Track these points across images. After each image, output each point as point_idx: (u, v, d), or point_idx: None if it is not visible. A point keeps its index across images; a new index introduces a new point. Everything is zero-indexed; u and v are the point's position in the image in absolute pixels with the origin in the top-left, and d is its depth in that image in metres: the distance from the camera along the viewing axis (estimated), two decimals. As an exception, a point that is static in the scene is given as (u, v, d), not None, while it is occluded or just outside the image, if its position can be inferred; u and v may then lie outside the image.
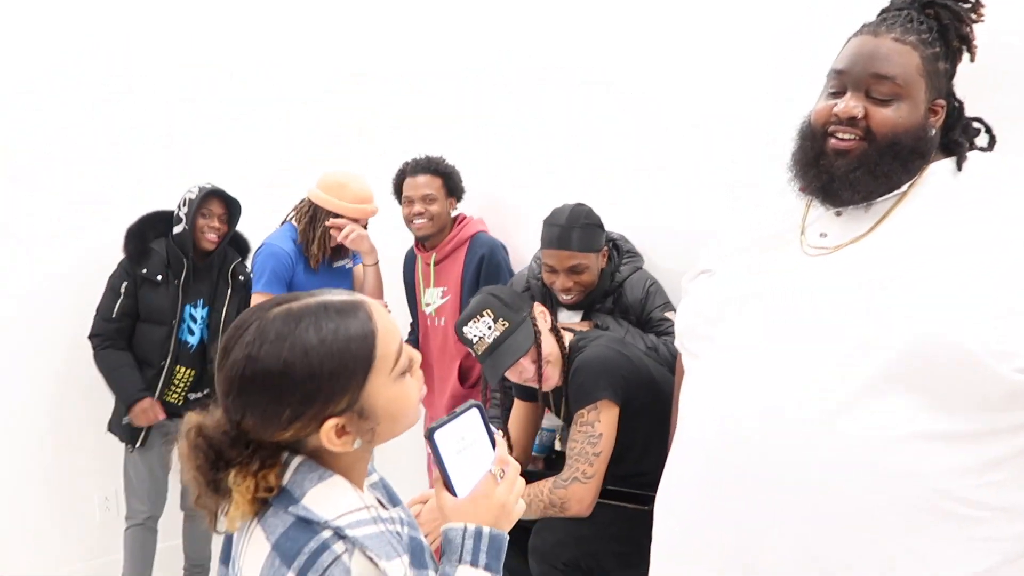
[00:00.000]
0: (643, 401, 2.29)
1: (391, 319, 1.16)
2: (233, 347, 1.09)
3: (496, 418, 2.75)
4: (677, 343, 1.84)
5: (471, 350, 2.40)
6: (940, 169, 1.52)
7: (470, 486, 1.16)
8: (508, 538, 1.17)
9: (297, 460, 1.11)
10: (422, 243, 3.29)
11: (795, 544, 1.36)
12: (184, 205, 3.33)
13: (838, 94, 1.53)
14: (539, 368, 2.36)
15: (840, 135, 1.51)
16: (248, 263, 3.54)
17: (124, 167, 3.84)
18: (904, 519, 1.30)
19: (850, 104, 1.49)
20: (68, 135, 3.69)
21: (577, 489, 2.23)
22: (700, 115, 2.55)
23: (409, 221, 3.20)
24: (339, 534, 1.05)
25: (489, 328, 2.34)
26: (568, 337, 2.45)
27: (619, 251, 2.74)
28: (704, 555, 1.48)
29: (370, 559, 1.06)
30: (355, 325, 1.10)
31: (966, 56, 1.61)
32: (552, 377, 2.39)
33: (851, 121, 1.49)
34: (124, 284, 3.33)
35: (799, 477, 1.37)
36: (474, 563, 1.13)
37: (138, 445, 3.34)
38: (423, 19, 3.59)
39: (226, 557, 1.23)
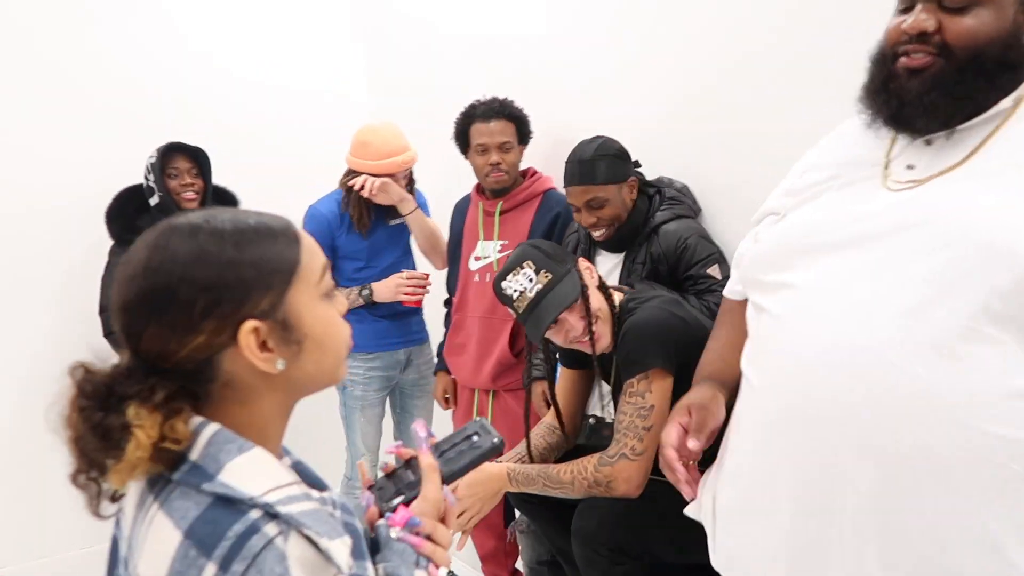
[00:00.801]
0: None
1: (314, 241, 1.06)
2: (133, 254, 0.97)
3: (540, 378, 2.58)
4: (735, 291, 1.68)
5: (511, 309, 2.13)
6: None
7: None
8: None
9: (210, 429, 0.95)
10: (485, 191, 3.03)
11: (876, 498, 1.23)
12: (149, 172, 3.11)
13: (907, 10, 1.34)
14: (588, 325, 2.09)
15: (912, 54, 1.31)
16: None
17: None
18: (991, 484, 1.16)
19: (920, 18, 1.29)
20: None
21: (625, 467, 1.96)
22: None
23: (484, 173, 2.93)
24: (269, 513, 0.91)
25: (531, 281, 2.08)
26: (618, 297, 2.18)
27: (661, 195, 2.54)
28: (781, 504, 1.34)
29: (308, 539, 0.92)
30: (277, 223, 1.01)
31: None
32: (604, 336, 2.12)
33: (922, 37, 1.29)
34: None
35: (879, 427, 1.22)
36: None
37: None
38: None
39: (112, 563, 1.03)
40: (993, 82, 1.27)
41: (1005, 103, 1.29)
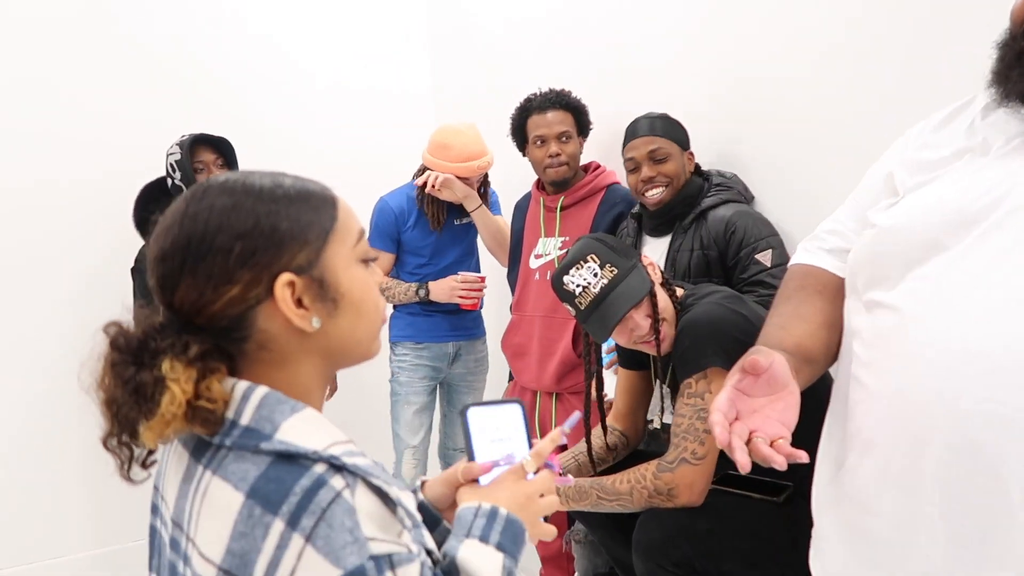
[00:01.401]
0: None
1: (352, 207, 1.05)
2: (171, 209, 0.97)
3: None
4: (807, 254, 1.50)
5: (571, 307, 2.02)
6: None
7: (492, 477, 1.12)
8: (526, 529, 1.07)
9: (260, 391, 0.93)
10: (545, 186, 2.94)
11: None
12: (175, 170, 3.03)
13: None
14: (655, 324, 1.96)
15: None
16: None
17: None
18: None
19: None
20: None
21: (686, 472, 1.83)
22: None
23: (544, 165, 2.84)
24: (334, 466, 0.89)
25: (595, 275, 1.96)
26: (679, 294, 2.04)
27: (709, 182, 2.49)
28: (922, 529, 1.14)
29: (377, 490, 0.90)
30: (314, 185, 1.01)
31: None
32: (669, 337, 2.00)
33: None
34: None
35: None
36: (483, 539, 1.03)
37: None
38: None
39: (154, 553, 1.01)
40: None
41: None
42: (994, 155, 1.22)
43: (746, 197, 2.45)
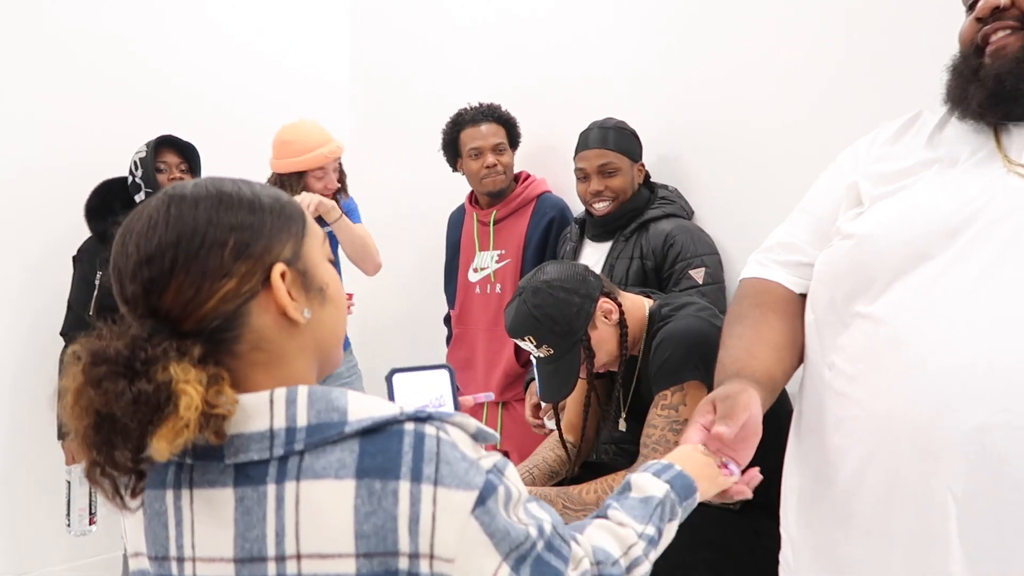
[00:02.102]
0: (738, 382, 1.90)
1: None
2: (145, 214, 0.93)
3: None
4: (757, 267, 1.50)
5: None
6: None
7: None
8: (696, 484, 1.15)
9: (303, 390, 0.90)
10: (477, 200, 2.96)
11: None
12: (138, 168, 2.92)
13: (973, 7, 1.29)
14: (590, 374, 2.02)
15: (993, 36, 1.25)
16: None
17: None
18: None
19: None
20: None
21: (653, 484, 1.86)
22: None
23: (480, 177, 2.86)
24: (419, 417, 0.89)
25: (536, 349, 1.99)
26: (647, 304, 2.08)
27: (654, 194, 2.54)
28: (939, 535, 1.13)
29: (460, 427, 0.92)
30: (279, 191, 1.00)
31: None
32: (610, 365, 2.05)
33: (997, 13, 1.24)
34: (99, 274, 2.83)
35: None
36: (656, 475, 1.15)
37: None
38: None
39: None
40: None
41: None
42: (964, 166, 1.27)
43: (688, 212, 2.51)
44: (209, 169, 3.34)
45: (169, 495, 0.94)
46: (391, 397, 1.12)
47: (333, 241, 3.10)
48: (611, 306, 2.00)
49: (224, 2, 3.76)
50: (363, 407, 0.89)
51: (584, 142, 2.52)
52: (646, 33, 2.66)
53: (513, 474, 0.93)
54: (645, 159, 2.58)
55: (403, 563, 0.85)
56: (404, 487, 0.85)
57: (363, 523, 0.85)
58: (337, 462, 0.87)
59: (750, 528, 1.84)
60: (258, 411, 0.89)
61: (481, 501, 0.87)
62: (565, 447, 2.24)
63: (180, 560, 0.94)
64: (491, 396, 1.27)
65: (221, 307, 0.90)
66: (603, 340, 1.99)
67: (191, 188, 0.94)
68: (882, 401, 1.20)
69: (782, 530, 1.42)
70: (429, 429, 0.88)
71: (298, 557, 0.87)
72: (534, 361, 2.03)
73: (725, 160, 2.45)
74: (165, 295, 0.89)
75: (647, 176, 2.57)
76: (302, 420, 0.88)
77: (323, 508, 0.86)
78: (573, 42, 2.91)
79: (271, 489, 0.88)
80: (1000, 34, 1.23)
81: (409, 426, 0.88)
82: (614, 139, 2.48)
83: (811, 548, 1.35)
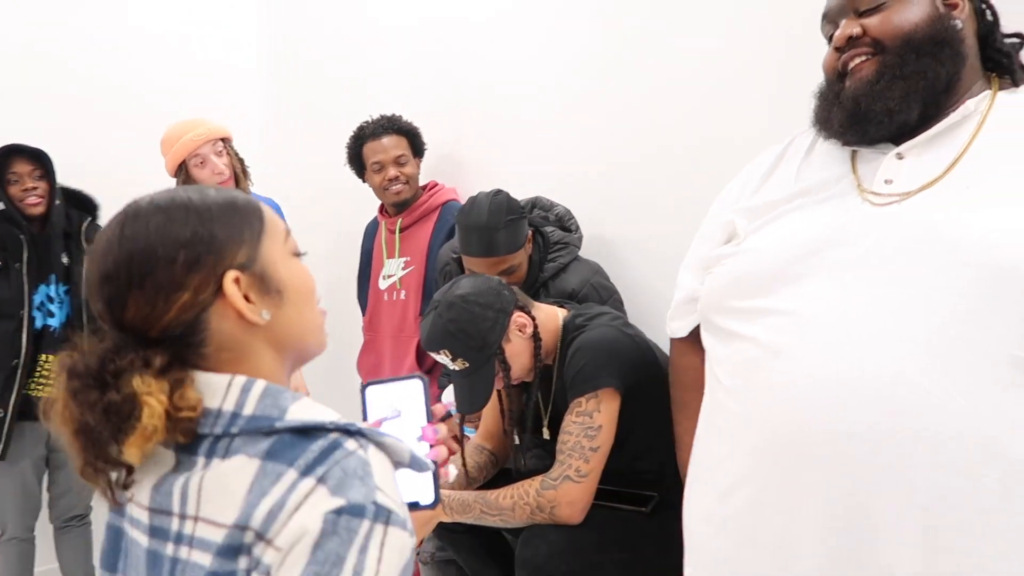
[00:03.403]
0: (648, 390, 1.99)
1: None
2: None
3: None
4: (682, 324, 1.60)
5: None
6: (1007, 99, 1.35)
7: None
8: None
9: (260, 384, 0.96)
10: (387, 209, 3.01)
11: (920, 535, 1.15)
12: None
13: (832, 37, 1.42)
14: (507, 383, 2.07)
15: (851, 63, 1.38)
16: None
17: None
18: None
19: (844, 30, 1.38)
20: None
21: (569, 489, 1.93)
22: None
23: (383, 188, 2.90)
24: (348, 431, 0.93)
25: (451, 363, 2.04)
26: (561, 314, 2.15)
27: (545, 240, 2.48)
28: (802, 551, 1.24)
29: (388, 455, 0.95)
30: (236, 193, 1.04)
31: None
32: (523, 376, 2.12)
33: (853, 43, 1.37)
34: None
35: (902, 460, 1.16)
36: None
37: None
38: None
39: (113, 555, 1.02)
40: (936, 57, 1.32)
41: (969, 106, 1.32)
42: (824, 195, 1.39)
43: (577, 243, 2.51)
44: (110, 161, 3.25)
45: None
46: (364, 409, 1.14)
47: None
48: (525, 320, 2.06)
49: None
50: (303, 410, 0.95)
51: (471, 246, 2.37)
52: (566, 48, 2.71)
53: (395, 540, 0.89)
54: (557, 172, 2.61)
55: (248, 537, 0.88)
56: (290, 475, 0.89)
57: (246, 497, 0.90)
58: (256, 448, 0.92)
59: (661, 529, 1.92)
60: (215, 391, 0.95)
61: (341, 512, 0.86)
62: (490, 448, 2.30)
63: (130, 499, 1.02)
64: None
65: (181, 317, 0.96)
66: (517, 353, 2.05)
67: (144, 205, 0.99)
68: (755, 414, 1.31)
69: (684, 530, 1.50)
70: (349, 443, 0.92)
71: (197, 519, 0.93)
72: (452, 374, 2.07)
73: (636, 173, 2.51)
74: (126, 310, 0.95)
75: (537, 236, 2.49)
76: (248, 409, 0.94)
77: (227, 481, 0.92)
78: (492, 52, 2.95)
79: (200, 460, 0.95)
80: (857, 60, 1.36)
81: (332, 435, 0.92)
82: (505, 242, 2.35)
83: (705, 550, 1.42)
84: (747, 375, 1.36)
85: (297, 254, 1.07)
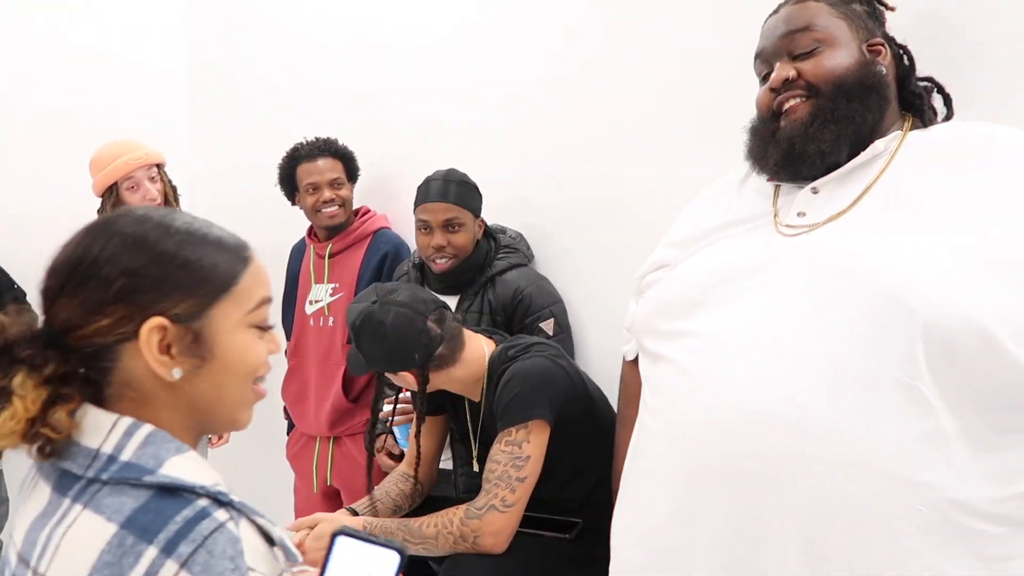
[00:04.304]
0: (577, 421, 2.01)
1: (267, 273, 1.05)
2: (82, 228, 0.98)
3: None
4: (632, 348, 1.69)
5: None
6: (917, 138, 1.43)
7: None
8: None
9: (146, 428, 0.93)
10: (317, 233, 2.97)
11: (801, 547, 1.22)
12: None
13: (768, 76, 1.49)
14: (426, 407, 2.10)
15: (787, 104, 1.45)
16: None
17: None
18: (916, 531, 1.17)
19: (780, 72, 1.45)
20: None
21: (494, 519, 1.92)
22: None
23: (316, 211, 2.86)
24: (220, 501, 0.89)
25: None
26: (489, 347, 2.14)
27: (496, 243, 2.55)
28: (698, 559, 1.32)
29: (260, 528, 0.92)
30: (233, 240, 1.01)
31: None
32: (463, 383, 2.13)
33: (788, 85, 1.44)
34: None
35: (803, 483, 1.22)
36: None
37: None
38: None
39: None
40: (864, 103, 1.41)
41: (878, 145, 1.39)
42: (745, 227, 1.48)
43: (528, 257, 2.58)
44: (31, 170, 3.14)
45: (34, 470, 0.99)
46: (327, 555, 1.02)
47: None
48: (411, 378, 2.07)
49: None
50: (179, 467, 0.91)
51: (425, 194, 2.47)
52: (501, 75, 2.72)
53: None
54: (494, 204, 2.64)
55: None
56: (150, 553, 0.84)
57: (100, 569, 0.84)
58: (119, 505, 0.87)
59: (587, 554, 1.94)
60: (99, 430, 0.92)
61: None
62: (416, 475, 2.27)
63: (10, 537, 0.99)
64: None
65: (95, 338, 0.93)
66: (402, 382, 2.09)
67: (132, 217, 0.97)
68: (671, 433, 1.39)
69: (612, 543, 1.53)
70: (219, 513, 0.88)
71: None
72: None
73: (569, 209, 2.54)
74: (54, 308, 0.94)
75: (486, 229, 2.57)
76: (126, 455, 0.90)
77: (79, 541, 0.87)
78: (427, 77, 2.94)
79: (66, 504, 0.91)
80: (792, 101, 1.44)
81: (202, 502, 0.88)
82: (457, 193, 2.45)
83: (618, 560, 1.49)
84: (666, 395, 1.44)
85: (261, 327, 1.02)
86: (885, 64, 1.46)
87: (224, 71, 3.84)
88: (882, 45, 1.47)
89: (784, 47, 1.46)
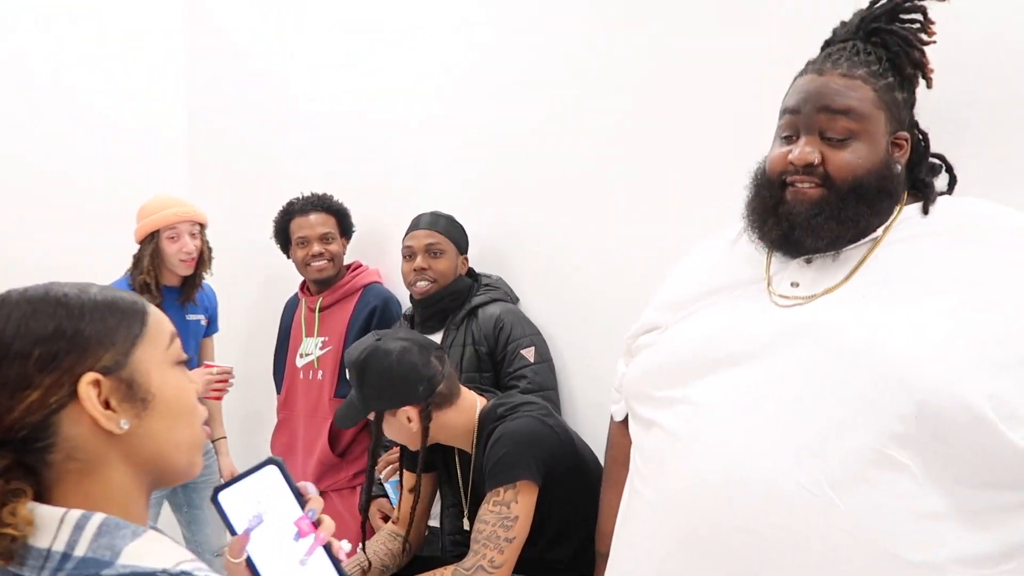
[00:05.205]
0: (565, 481, 2.01)
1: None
2: None
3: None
4: (620, 408, 1.68)
5: None
6: (914, 214, 1.42)
7: (271, 557, 1.02)
8: None
9: (96, 519, 0.87)
10: (309, 287, 3.00)
11: None
12: None
13: (791, 138, 1.43)
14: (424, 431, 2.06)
15: (798, 183, 1.41)
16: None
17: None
18: None
19: (805, 151, 1.39)
20: None
21: (482, 580, 1.91)
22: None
23: (305, 264, 2.91)
24: None
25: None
26: (480, 403, 2.15)
27: (478, 282, 2.63)
28: None
29: None
30: (121, 292, 0.98)
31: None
32: (452, 436, 2.13)
33: (808, 168, 1.39)
34: None
35: (793, 557, 1.23)
36: None
37: None
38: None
39: None
40: (872, 207, 1.38)
41: (878, 231, 1.39)
42: (738, 292, 1.48)
43: (512, 298, 2.62)
44: (27, 228, 3.17)
45: None
46: (224, 519, 1.04)
47: (200, 330, 3.10)
48: (414, 415, 2.05)
49: (51, 56, 3.62)
50: (137, 554, 0.87)
51: (415, 224, 2.62)
52: (479, 124, 2.78)
53: None
54: (485, 258, 2.69)
55: None
56: None
57: None
58: None
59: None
60: (46, 527, 0.87)
61: None
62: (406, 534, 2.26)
63: None
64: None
65: (27, 418, 0.88)
66: (395, 431, 2.08)
67: (15, 297, 0.92)
68: (661, 502, 1.39)
69: None
70: None
71: None
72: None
73: (547, 250, 2.58)
74: None
75: (471, 271, 2.66)
76: (80, 550, 0.86)
77: None
78: (422, 138, 2.98)
79: None
80: (804, 184, 1.39)
81: None
82: (443, 224, 2.60)
83: None
84: (657, 463, 1.44)
85: (181, 362, 1.00)
86: (903, 161, 1.43)
87: (223, 132, 3.88)
88: (905, 140, 1.43)
89: (817, 124, 1.39)
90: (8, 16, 3.50)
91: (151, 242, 2.91)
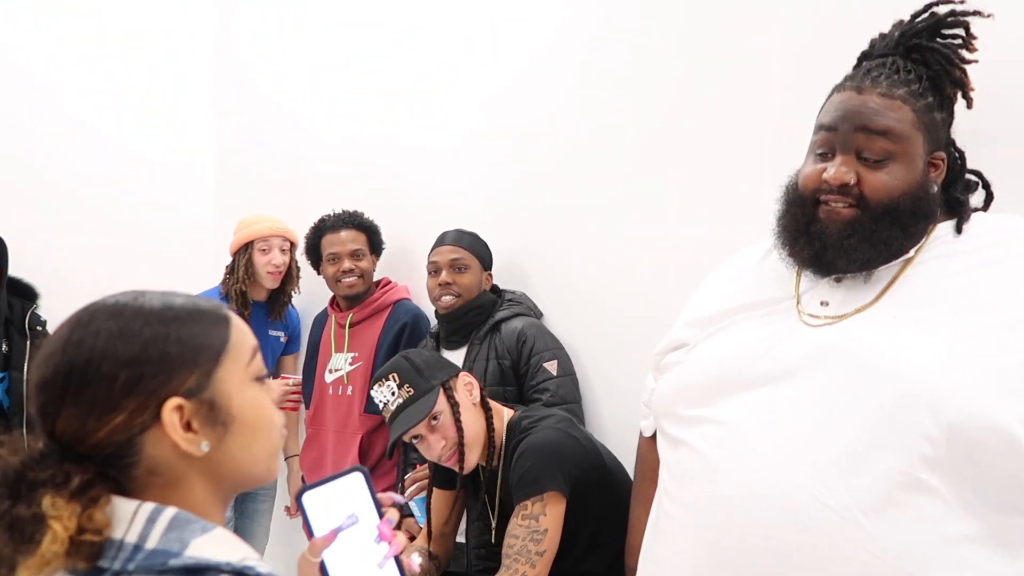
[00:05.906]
0: (593, 492, 2.01)
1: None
2: (54, 334, 0.94)
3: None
4: (649, 424, 1.69)
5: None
6: (947, 232, 1.39)
7: (343, 562, 1.06)
8: None
9: (169, 512, 0.90)
10: (339, 303, 3.02)
11: None
12: None
13: (826, 155, 1.40)
14: (460, 447, 2.05)
15: (832, 202, 1.37)
16: (41, 311, 3.03)
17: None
18: None
19: (841, 170, 1.35)
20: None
21: (515, 595, 1.90)
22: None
23: (336, 280, 2.94)
24: (243, 574, 0.87)
25: (393, 394, 2.05)
26: (508, 414, 2.15)
27: (502, 298, 2.66)
28: None
29: None
30: (206, 304, 0.99)
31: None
32: (470, 459, 2.08)
33: (843, 188, 1.36)
34: None
35: (813, 571, 1.22)
36: None
37: None
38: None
39: None
40: (906, 230, 1.35)
41: (910, 252, 1.37)
42: (766, 309, 1.46)
43: (536, 313, 2.63)
44: (55, 253, 3.24)
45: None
46: (305, 519, 1.07)
47: (279, 346, 3.24)
48: (472, 381, 2.11)
49: (83, 93, 3.73)
50: (204, 547, 0.89)
51: (440, 240, 2.67)
52: (495, 144, 2.81)
53: None
54: (512, 276, 2.71)
55: None
56: None
57: None
58: None
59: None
60: (121, 520, 0.89)
61: None
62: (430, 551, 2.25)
63: None
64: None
65: (112, 437, 0.89)
66: (467, 409, 2.08)
67: (103, 311, 0.93)
68: (689, 520, 1.38)
69: None
70: None
71: None
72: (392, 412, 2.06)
73: (570, 267, 2.60)
74: (57, 421, 0.90)
75: (495, 286, 2.69)
76: (151, 543, 0.88)
77: None
78: (451, 158, 3.01)
79: None
80: (838, 204, 1.36)
81: None
82: (468, 241, 2.64)
83: None
84: (686, 482, 1.42)
85: (260, 378, 1.00)
86: (938, 181, 1.40)
87: (247, 167, 3.93)
88: (941, 160, 1.41)
89: (855, 143, 1.36)
90: (45, 56, 3.61)
91: (245, 253, 3.07)
